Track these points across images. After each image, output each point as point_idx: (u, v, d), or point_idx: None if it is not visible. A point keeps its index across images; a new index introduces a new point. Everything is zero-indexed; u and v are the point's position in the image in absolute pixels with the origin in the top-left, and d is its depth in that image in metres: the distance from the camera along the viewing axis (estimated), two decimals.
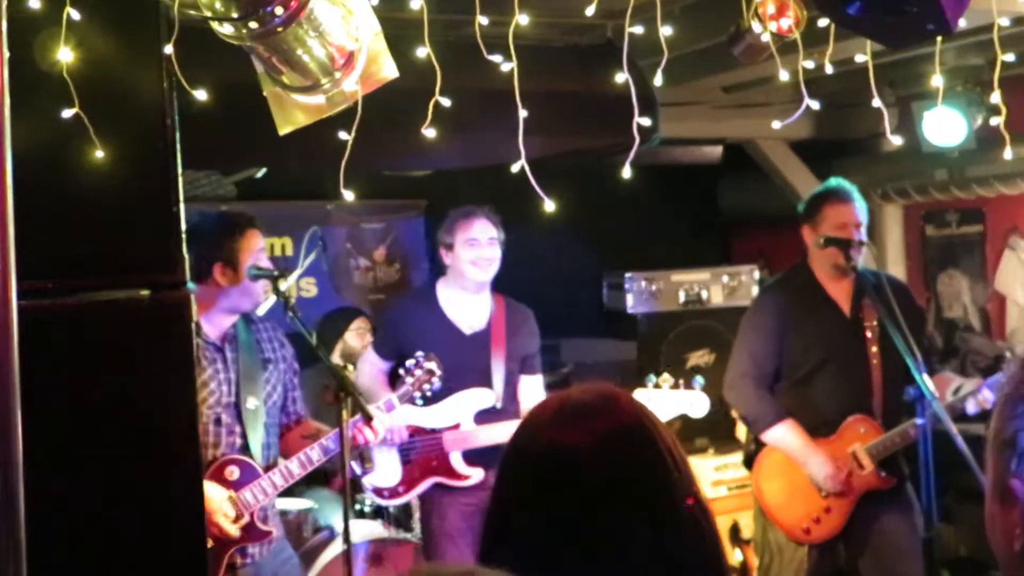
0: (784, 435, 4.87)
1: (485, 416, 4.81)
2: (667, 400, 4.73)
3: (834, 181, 5.03)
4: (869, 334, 4.85)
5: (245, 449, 4.07)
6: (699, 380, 4.83)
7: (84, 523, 2.65)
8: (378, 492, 4.96)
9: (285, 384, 4.30)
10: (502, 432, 4.72)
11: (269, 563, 4.19)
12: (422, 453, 4.86)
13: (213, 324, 4.16)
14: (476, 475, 4.79)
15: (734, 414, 6.18)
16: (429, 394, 4.53)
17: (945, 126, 5.96)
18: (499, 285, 7.06)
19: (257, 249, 4.19)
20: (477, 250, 4.92)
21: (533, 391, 5.05)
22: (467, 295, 4.97)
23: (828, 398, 4.86)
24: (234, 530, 3.97)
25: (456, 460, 4.83)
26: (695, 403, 4.76)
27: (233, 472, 4.04)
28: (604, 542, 1.54)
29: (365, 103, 3.03)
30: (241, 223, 4.22)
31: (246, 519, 4.01)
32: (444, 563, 1.14)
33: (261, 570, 4.16)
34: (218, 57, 2.98)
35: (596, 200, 6.79)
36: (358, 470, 4.90)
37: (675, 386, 4.74)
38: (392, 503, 5.03)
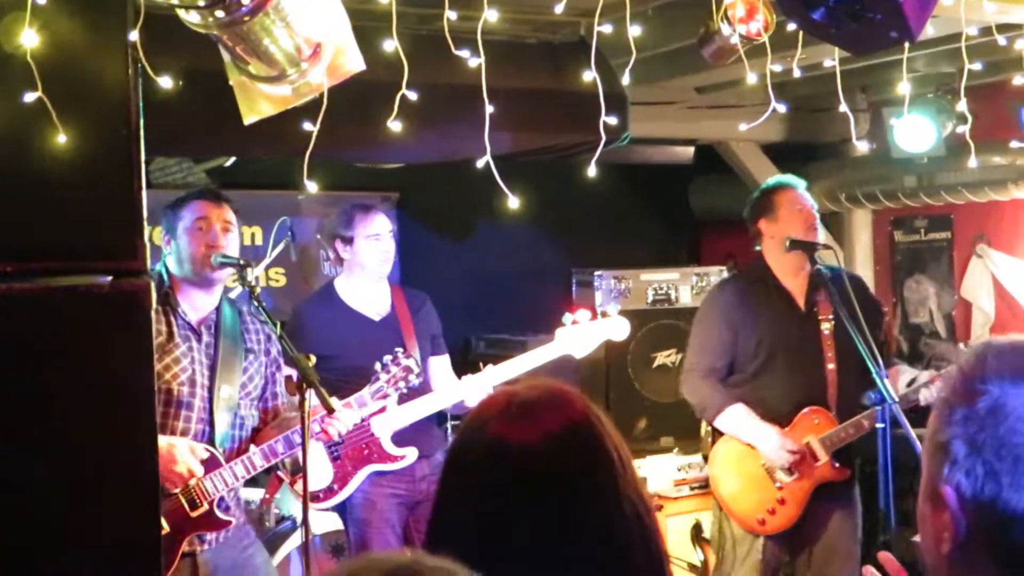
0: (734, 418, 4.92)
1: (405, 396, 4.80)
2: (589, 331, 4.84)
3: (776, 177, 5.22)
4: (825, 328, 4.90)
5: (210, 437, 4.04)
6: (614, 307, 5.03)
7: (37, 508, 2.63)
8: (312, 498, 4.84)
9: (266, 377, 4.27)
10: (426, 407, 4.86)
11: (229, 551, 4.16)
12: (352, 446, 4.83)
13: (193, 306, 4.13)
14: (411, 453, 4.81)
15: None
16: (405, 391, 4.54)
17: (915, 133, 6.00)
18: (471, 280, 7.08)
19: (194, 219, 4.10)
20: (380, 244, 5.00)
21: (443, 370, 5.18)
22: (369, 284, 5.05)
23: (781, 390, 4.90)
24: (198, 469, 3.94)
25: (387, 443, 4.84)
26: (615, 327, 4.91)
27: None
28: (550, 538, 1.55)
29: (337, 95, 3.03)
30: (190, 195, 4.21)
31: (204, 507, 3.98)
32: (383, 554, 1.13)
33: (220, 557, 4.13)
34: (186, 44, 2.97)
35: (567, 197, 6.82)
36: (286, 479, 4.89)
37: (593, 318, 4.85)
38: (327, 504, 4.93)
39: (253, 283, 4.00)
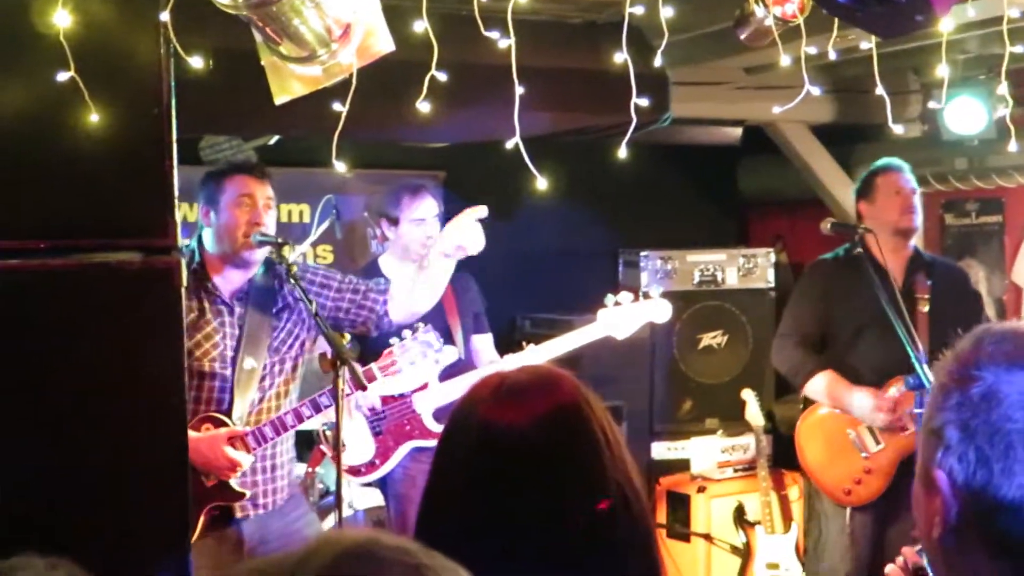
0: (824, 382, 5.03)
1: (447, 372, 4.83)
2: (631, 313, 4.85)
3: (885, 159, 5.28)
4: (922, 308, 4.99)
5: (229, 408, 4.05)
6: (657, 288, 5.12)
7: (65, 482, 2.69)
8: (353, 472, 4.91)
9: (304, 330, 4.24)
10: (468, 384, 4.74)
11: (277, 520, 4.19)
12: (394, 421, 4.88)
13: (227, 280, 4.14)
14: None
15: (743, 395, 6.24)
16: (433, 366, 4.45)
17: (966, 115, 5.93)
18: (516, 259, 7.07)
19: (239, 194, 4.09)
20: (424, 228, 5.01)
21: (486, 349, 5.23)
22: (413, 265, 5.00)
23: (873, 364, 4.97)
24: (244, 460, 3.97)
25: (428, 420, 4.87)
26: (657, 309, 4.92)
27: (208, 431, 4.01)
28: (535, 520, 1.56)
29: (368, 75, 3.05)
30: (227, 167, 4.21)
31: (214, 479, 4.00)
32: (342, 532, 1.14)
33: (266, 526, 4.16)
34: (217, 24, 3.00)
35: (614, 178, 6.78)
36: (329, 453, 4.90)
37: (636, 299, 4.87)
38: (369, 478, 4.99)
39: (291, 261, 4.01)
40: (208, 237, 4.14)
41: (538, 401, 1.64)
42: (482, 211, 4.02)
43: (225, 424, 4.02)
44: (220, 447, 3.94)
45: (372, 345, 4.57)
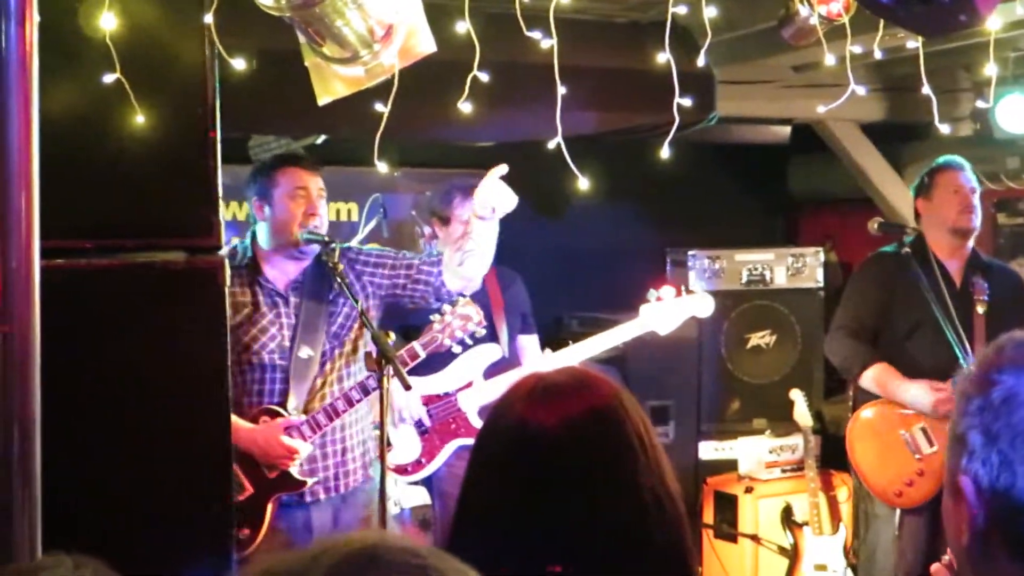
0: (878, 374, 4.99)
1: (492, 370, 4.83)
2: (673, 308, 4.80)
3: (945, 156, 5.21)
4: (979, 309, 4.92)
5: (284, 398, 4.08)
6: (699, 283, 5.22)
7: (112, 479, 2.73)
8: (400, 471, 4.93)
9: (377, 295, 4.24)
10: (512, 382, 4.75)
11: (347, 511, 4.23)
12: (439, 419, 4.89)
13: (282, 271, 4.17)
14: None
15: (791, 395, 6.20)
16: (470, 341, 4.38)
17: (1017, 113, 5.86)
18: (564, 258, 7.07)
19: (293, 187, 4.11)
20: None
21: (532, 348, 5.20)
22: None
23: (927, 362, 4.91)
24: (302, 448, 4.01)
25: (474, 418, 4.87)
26: (699, 304, 4.87)
27: (265, 423, 4.05)
28: (566, 521, 1.57)
29: (410, 76, 3.07)
30: (277, 161, 4.23)
31: (276, 470, 4.04)
32: (349, 535, 1.14)
33: (335, 515, 4.21)
34: (261, 26, 3.03)
35: (663, 176, 6.72)
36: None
37: (678, 294, 4.81)
38: (415, 477, 4.99)
39: (337, 258, 4.03)
40: (262, 231, 4.17)
41: (572, 402, 1.64)
42: (503, 169, 4.07)
43: (280, 415, 4.06)
44: (276, 437, 3.99)
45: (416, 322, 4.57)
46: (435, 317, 4.26)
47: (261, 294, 4.13)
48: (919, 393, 4.87)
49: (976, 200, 5.03)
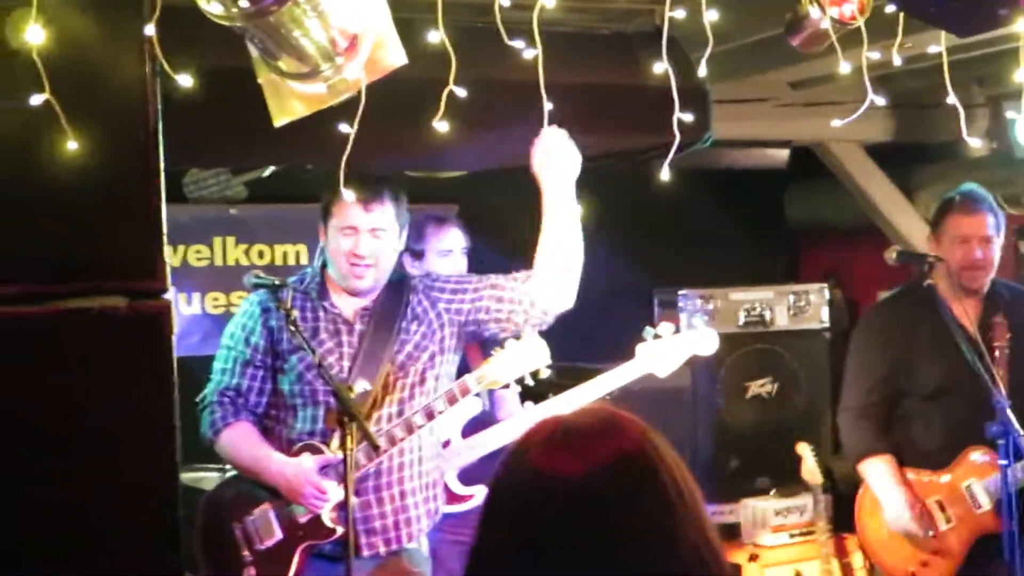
0: (871, 470, 4.96)
1: (471, 427, 4.79)
2: (673, 346, 4.72)
3: (965, 187, 5.09)
4: (998, 355, 4.84)
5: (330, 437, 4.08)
6: (700, 317, 5.13)
7: (45, 543, 2.65)
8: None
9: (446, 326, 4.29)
10: (492, 440, 4.77)
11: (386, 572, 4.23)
12: None
13: (345, 301, 4.25)
14: (479, 492, 4.75)
15: (798, 450, 6.15)
16: (531, 381, 4.41)
17: None
18: None
19: (342, 224, 4.16)
20: (450, 260, 5.04)
21: (512, 401, 5.13)
22: None
23: (944, 426, 4.87)
24: (332, 490, 4.00)
25: (453, 482, 4.79)
26: (702, 340, 4.80)
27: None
28: None
29: (378, 94, 3.03)
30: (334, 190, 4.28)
31: (307, 513, 4.04)
32: None
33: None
34: (209, 39, 2.98)
35: (648, 207, 6.78)
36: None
37: (676, 331, 4.75)
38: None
39: (289, 305, 4.00)
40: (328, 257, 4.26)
41: (597, 448, 1.59)
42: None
43: (322, 452, 4.06)
44: (307, 474, 3.98)
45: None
46: (496, 350, 4.30)
47: (324, 320, 4.20)
48: (891, 509, 4.87)
49: (991, 250, 4.92)
